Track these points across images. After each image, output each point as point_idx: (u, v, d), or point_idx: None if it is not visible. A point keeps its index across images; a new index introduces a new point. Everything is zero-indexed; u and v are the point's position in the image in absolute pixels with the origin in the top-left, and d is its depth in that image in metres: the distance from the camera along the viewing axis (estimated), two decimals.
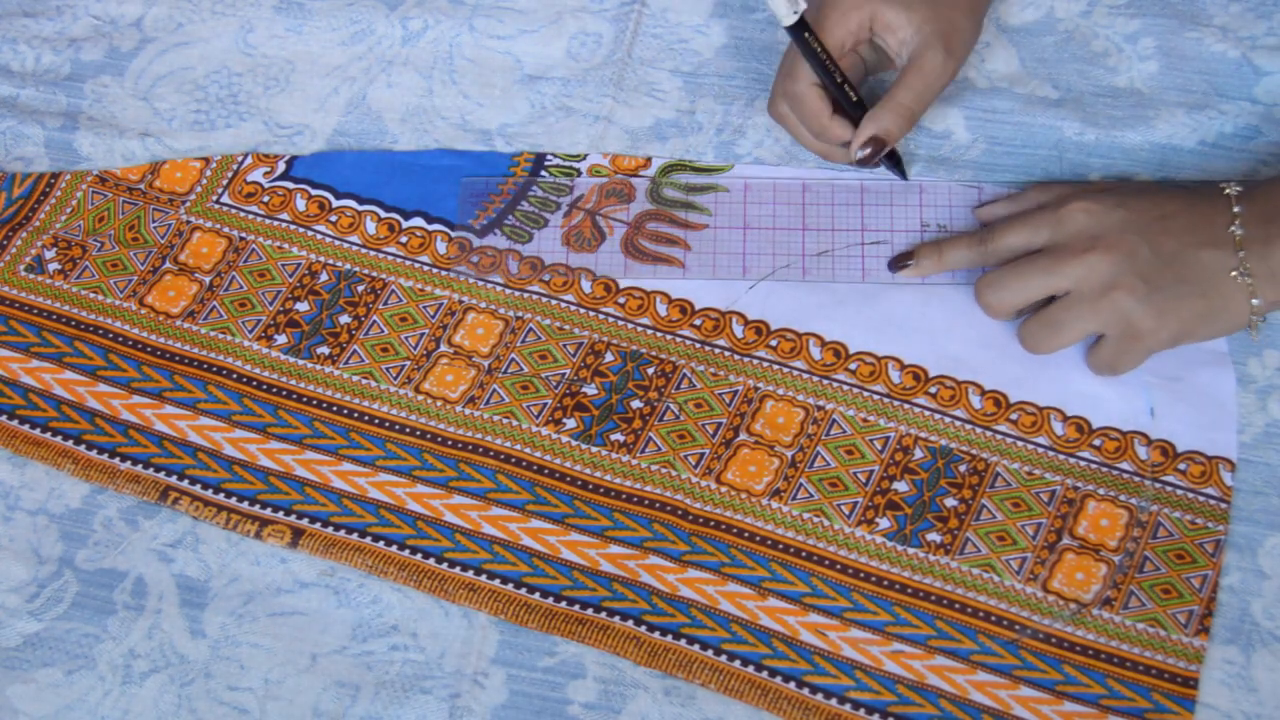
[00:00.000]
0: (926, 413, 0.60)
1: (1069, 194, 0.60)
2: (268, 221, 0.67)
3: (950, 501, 0.58)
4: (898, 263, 0.63)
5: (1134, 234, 0.56)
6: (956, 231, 0.64)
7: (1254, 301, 0.56)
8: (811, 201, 0.65)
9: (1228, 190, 0.57)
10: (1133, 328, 0.56)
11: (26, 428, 0.62)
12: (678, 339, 0.63)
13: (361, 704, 0.56)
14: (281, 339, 0.64)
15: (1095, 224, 0.57)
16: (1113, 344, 0.57)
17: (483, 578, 0.58)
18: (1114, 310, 0.56)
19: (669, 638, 0.56)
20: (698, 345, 0.62)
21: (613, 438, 0.60)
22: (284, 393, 0.62)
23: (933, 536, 0.57)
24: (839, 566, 0.57)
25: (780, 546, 0.57)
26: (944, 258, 0.62)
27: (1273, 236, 0.55)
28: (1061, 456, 0.59)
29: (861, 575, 0.57)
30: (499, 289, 0.64)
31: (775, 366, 0.62)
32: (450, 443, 0.61)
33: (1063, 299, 0.57)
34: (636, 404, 0.61)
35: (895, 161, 0.64)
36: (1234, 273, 0.56)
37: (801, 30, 0.59)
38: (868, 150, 0.61)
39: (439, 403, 0.62)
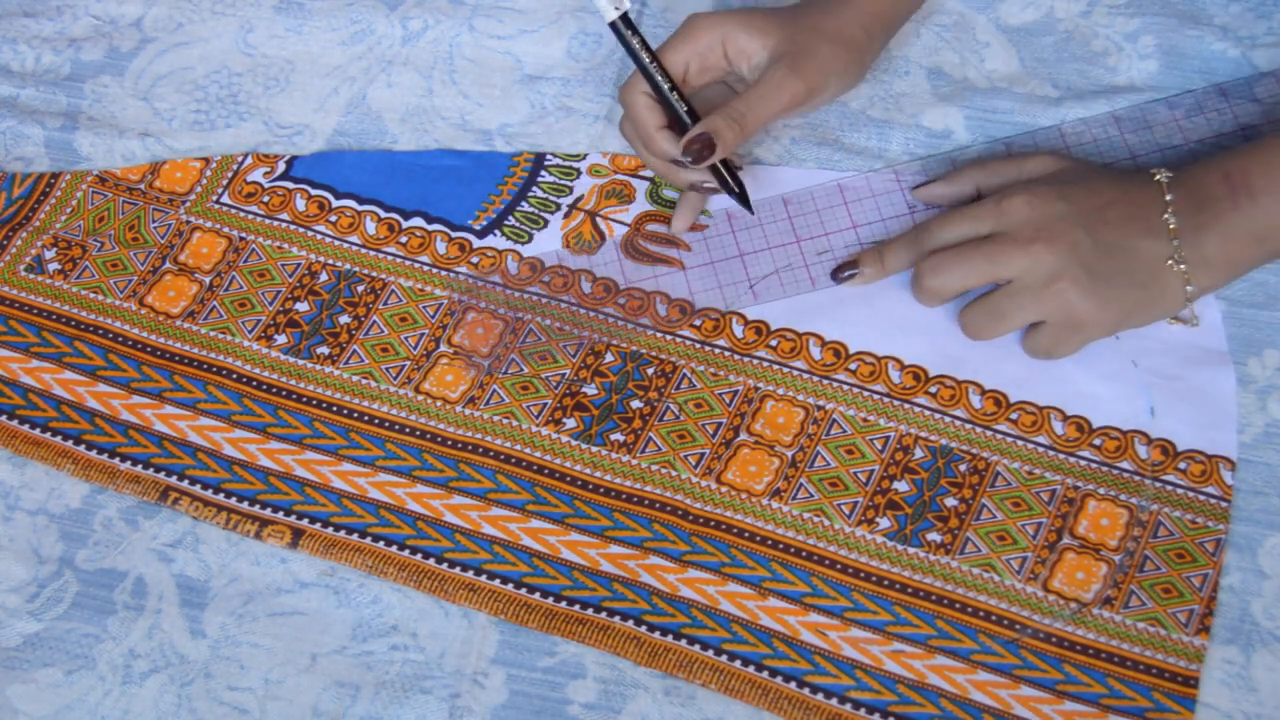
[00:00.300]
0: (926, 412, 0.60)
1: (1008, 187, 0.60)
2: (268, 221, 0.67)
3: (950, 501, 0.58)
4: (841, 271, 0.62)
5: (1075, 225, 0.57)
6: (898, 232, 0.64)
7: (1188, 289, 0.57)
8: (797, 213, 0.65)
9: (1158, 177, 0.58)
10: (1074, 317, 0.57)
11: (26, 428, 0.62)
12: (678, 339, 0.63)
13: (361, 704, 0.56)
14: (281, 339, 0.64)
15: (1037, 215, 0.57)
16: (1052, 331, 0.58)
17: (483, 578, 0.57)
18: (1058, 300, 0.57)
19: (669, 638, 0.56)
20: (698, 345, 0.62)
21: (613, 438, 0.60)
22: (284, 393, 0.62)
23: (933, 536, 0.57)
24: (839, 566, 0.57)
25: (780, 546, 0.57)
26: (886, 262, 0.62)
27: (1203, 224, 0.57)
28: (1061, 456, 0.59)
29: (862, 575, 0.57)
30: (499, 289, 0.64)
31: (775, 366, 0.62)
32: (450, 443, 0.61)
33: (1006, 287, 0.58)
34: (636, 404, 0.61)
35: (741, 190, 0.62)
36: (1169, 261, 0.57)
37: (625, 30, 0.59)
38: (693, 151, 0.59)
39: (439, 403, 0.62)
